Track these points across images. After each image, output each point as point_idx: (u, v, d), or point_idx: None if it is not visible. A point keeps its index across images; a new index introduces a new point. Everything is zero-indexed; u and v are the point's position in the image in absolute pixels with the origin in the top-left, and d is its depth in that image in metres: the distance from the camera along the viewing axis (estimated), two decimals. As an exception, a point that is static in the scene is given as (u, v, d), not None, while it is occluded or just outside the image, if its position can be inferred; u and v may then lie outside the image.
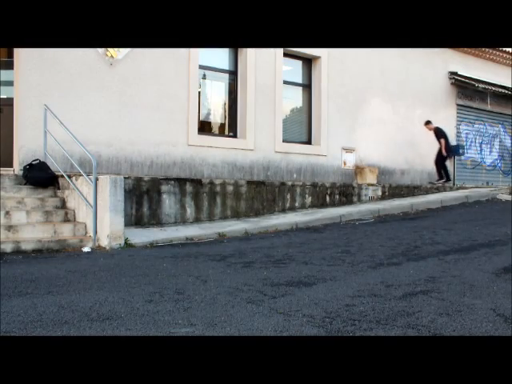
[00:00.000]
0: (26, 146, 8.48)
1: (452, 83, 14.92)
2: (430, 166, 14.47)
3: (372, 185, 12.10)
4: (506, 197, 12.47)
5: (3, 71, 8.83)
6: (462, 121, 15.50)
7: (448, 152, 13.50)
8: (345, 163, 12.56)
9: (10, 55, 8.74)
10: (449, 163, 14.09)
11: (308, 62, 12.30)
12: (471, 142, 15.90)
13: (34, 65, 8.54)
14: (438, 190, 13.39)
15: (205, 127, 10.86)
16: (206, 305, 3.99)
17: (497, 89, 15.45)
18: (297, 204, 10.50)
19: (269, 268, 5.50)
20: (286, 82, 11.74)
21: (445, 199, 11.68)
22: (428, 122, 13.71)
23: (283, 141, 11.52)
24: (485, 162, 16.32)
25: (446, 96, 14.94)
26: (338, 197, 11.19)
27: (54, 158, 8.30)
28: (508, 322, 3.48)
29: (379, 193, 12.07)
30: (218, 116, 11.27)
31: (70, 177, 7.74)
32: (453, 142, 15.04)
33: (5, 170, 8.35)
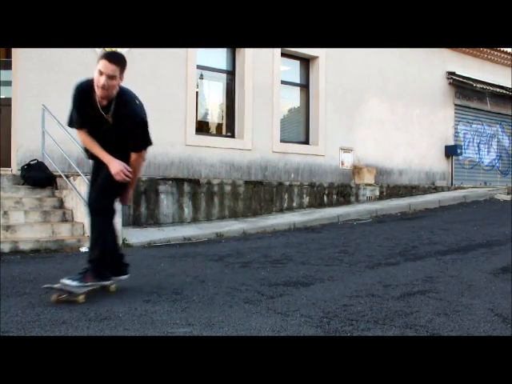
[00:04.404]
0: (24, 146, 8.46)
1: (450, 83, 14.93)
2: (428, 166, 14.49)
3: (370, 185, 12.11)
4: (504, 197, 12.50)
5: (1, 71, 8.81)
6: (459, 121, 15.52)
7: None
8: (343, 163, 12.56)
9: (9, 55, 8.73)
10: None
11: (306, 62, 12.31)
12: (469, 142, 15.92)
13: (33, 65, 8.53)
14: (436, 189, 13.41)
15: (202, 127, 10.86)
16: (203, 305, 3.99)
17: (495, 89, 15.47)
18: (294, 204, 10.51)
19: (266, 268, 5.49)
20: (283, 82, 11.74)
21: (443, 199, 11.70)
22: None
23: (281, 141, 11.52)
24: (483, 162, 16.34)
25: (444, 96, 14.96)
26: (335, 197, 11.20)
27: (52, 158, 8.28)
28: (506, 322, 3.49)
29: (377, 193, 12.08)
30: (215, 116, 11.27)
31: (67, 177, 7.73)
32: (450, 141, 15.08)
33: (3, 170, 8.34)
